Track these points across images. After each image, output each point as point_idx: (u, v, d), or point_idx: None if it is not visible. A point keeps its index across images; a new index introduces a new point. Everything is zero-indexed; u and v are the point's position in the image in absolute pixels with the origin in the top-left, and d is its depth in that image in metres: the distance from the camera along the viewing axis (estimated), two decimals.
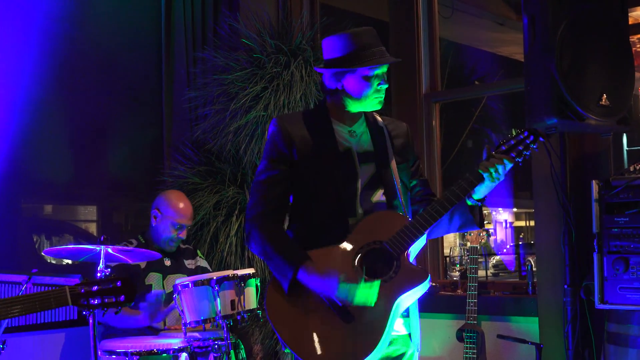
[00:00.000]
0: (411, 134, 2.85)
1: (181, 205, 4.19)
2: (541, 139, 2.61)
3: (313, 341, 2.46)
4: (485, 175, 2.55)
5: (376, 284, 2.46)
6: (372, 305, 2.44)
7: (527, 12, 3.56)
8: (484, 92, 6.57)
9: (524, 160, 2.61)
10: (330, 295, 2.46)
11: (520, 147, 2.59)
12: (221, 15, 5.19)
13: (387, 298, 2.48)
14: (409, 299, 2.55)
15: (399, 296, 2.49)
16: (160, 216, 4.16)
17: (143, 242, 4.19)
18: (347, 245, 2.56)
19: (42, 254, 3.75)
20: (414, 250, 2.61)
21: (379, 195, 2.66)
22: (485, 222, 2.78)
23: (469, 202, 2.63)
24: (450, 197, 2.56)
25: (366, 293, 2.44)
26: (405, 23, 5.09)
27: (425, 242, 2.67)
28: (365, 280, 2.46)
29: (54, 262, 4.69)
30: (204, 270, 4.28)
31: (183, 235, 4.17)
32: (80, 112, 4.86)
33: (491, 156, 2.58)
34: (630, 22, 3.76)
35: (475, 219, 2.66)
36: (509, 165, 2.57)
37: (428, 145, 5.01)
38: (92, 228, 5.06)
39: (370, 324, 2.46)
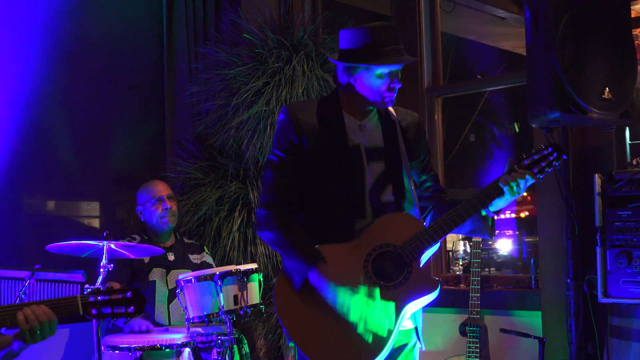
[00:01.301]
0: (422, 126, 2.81)
1: (148, 184, 4.32)
2: (564, 156, 2.59)
3: (318, 339, 2.45)
4: (505, 189, 2.51)
5: (377, 295, 2.45)
6: (375, 315, 2.43)
7: (529, 5, 3.54)
8: (486, 86, 6.52)
9: (545, 176, 2.59)
10: (332, 304, 2.44)
11: (543, 164, 2.56)
12: (222, 10, 5.17)
13: (395, 304, 2.46)
14: (417, 306, 2.54)
15: (407, 303, 2.47)
16: (142, 207, 4.26)
17: (146, 238, 4.21)
18: (358, 245, 2.52)
19: (45, 249, 3.74)
20: (425, 256, 2.57)
21: (388, 195, 2.62)
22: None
23: (484, 213, 2.59)
24: (468, 208, 2.53)
25: (365, 307, 2.43)
26: (407, 17, 5.08)
27: (437, 248, 2.65)
28: (368, 290, 2.44)
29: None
30: (209, 266, 4.29)
31: (168, 205, 4.22)
32: (82, 108, 4.86)
33: (513, 170, 2.55)
34: (632, 15, 3.75)
35: (487, 228, 2.62)
36: (531, 181, 2.53)
37: (430, 139, 4.99)
38: (95, 224, 5.06)
39: (376, 328, 2.44)
